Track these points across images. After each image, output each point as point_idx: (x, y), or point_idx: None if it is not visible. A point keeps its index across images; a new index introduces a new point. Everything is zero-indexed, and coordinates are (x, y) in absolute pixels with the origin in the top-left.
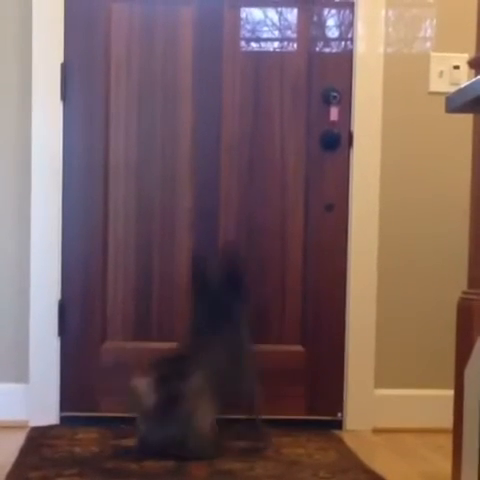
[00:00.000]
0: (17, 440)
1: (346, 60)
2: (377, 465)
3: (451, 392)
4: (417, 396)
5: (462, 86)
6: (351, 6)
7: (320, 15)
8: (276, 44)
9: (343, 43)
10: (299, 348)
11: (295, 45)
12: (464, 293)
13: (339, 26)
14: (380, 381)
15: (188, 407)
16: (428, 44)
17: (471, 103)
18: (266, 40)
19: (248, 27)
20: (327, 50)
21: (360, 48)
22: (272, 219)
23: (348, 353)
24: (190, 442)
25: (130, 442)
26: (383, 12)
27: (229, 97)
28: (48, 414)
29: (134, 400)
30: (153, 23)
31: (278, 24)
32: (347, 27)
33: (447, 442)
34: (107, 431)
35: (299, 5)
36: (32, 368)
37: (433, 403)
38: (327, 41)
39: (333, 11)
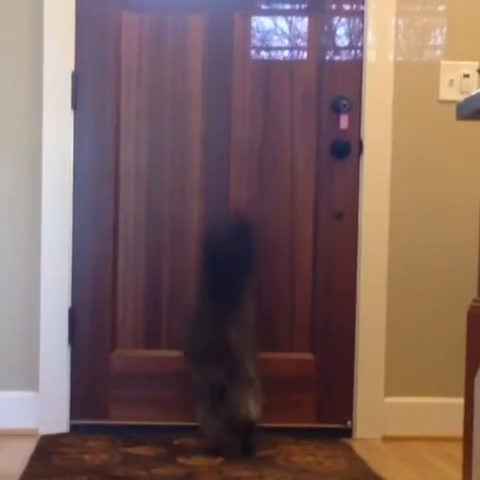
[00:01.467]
0: (27, 448)
1: (356, 68)
2: (387, 473)
3: (461, 400)
4: (427, 404)
5: (473, 94)
6: (361, 15)
7: (330, 24)
8: (286, 53)
9: (353, 52)
10: (309, 356)
11: (305, 54)
12: (474, 301)
13: (349, 35)
14: (390, 389)
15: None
16: (438, 52)
17: None
18: (276, 49)
19: (258, 36)
20: (337, 58)
21: (370, 56)
22: (282, 227)
23: (358, 361)
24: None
25: (140, 450)
26: (393, 21)
27: (239, 105)
28: (58, 422)
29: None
30: (163, 32)
31: (288, 33)
32: (357, 36)
33: (457, 451)
34: (117, 439)
35: (309, 14)
36: (42, 376)
37: (443, 411)
38: (337, 50)
39: (343, 20)
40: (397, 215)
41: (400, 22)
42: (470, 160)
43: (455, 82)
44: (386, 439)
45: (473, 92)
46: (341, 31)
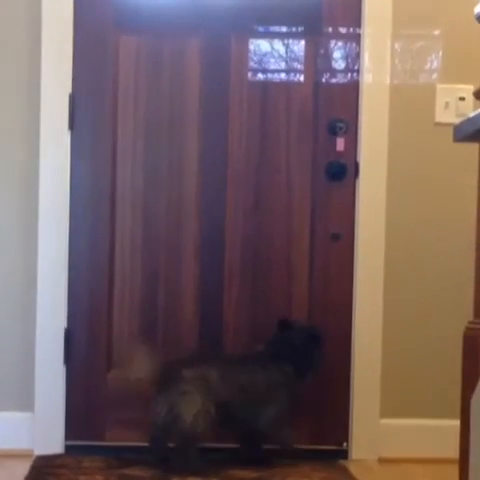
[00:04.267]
0: (22, 469)
1: (352, 91)
2: None
3: (457, 422)
4: (423, 426)
5: (470, 116)
6: (357, 38)
7: (326, 47)
8: (283, 75)
9: (349, 74)
10: None
11: (302, 76)
12: (470, 323)
13: (345, 58)
14: (386, 411)
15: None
16: (434, 76)
17: (479, 133)
18: (273, 71)
19: (255, 58)
20: (333, 81)
21: (366, 79)
22: (278, 249)
23: (354, 383)
24: (172, 427)
25: (135, 471)
26: (389, 44)
27: (236, 128)
28: (53, 443)
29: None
30: (161, 54)
31: (285, 56)
32: (353, 59)
33: (453, 473)
34: (112, 460)
35: (306, 37)
36: (37, 396)
37: (439, 433)
38: (333, 72)
39: (340, 43)
40: (393, 237)
41: (396, 45)
42: (466, 183)
43: (451, 105)
44: (382, 461)
45: (469, 115)
46: (337, 54)
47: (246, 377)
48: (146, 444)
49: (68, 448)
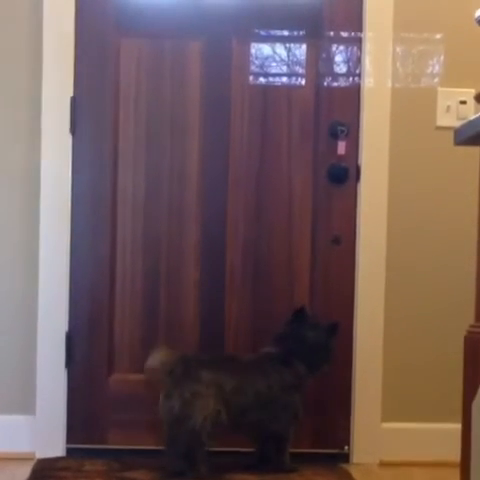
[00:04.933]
0: (23, 472)
1: (354, 95)
2: None
3: (459, 426)
4: (424, 430)
5: (471, 119)
6: (359, 42)
7: (328, 50)
8: (284, 79)
9: (351, 78)
10: None
11: (303, 80)
12: (471, 327)
13: (347, 61)
14: (387, 414)
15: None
16: (435, 79)
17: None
18: (274, 75)
19: (256, 62)
20: (335, 85)
21: (368, 83)
22: (279, 252)
23: (355, 386)
24: (181, 425)
25: (136, 474)
26: (391, 48)
27: (237, 131)
28: (54, 446)
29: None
30: (162, 58)
31: (286, 59)
32: (355, 62)
33: (454, 476)
34: (113, 463)
35: (307, 41)
36: (39, 400)
37: (440, 437)
38: (335, 76)
39: (341, 47)
40: (394, 240)
41: (398, 49)
42: (467, 186)
43: (452, 109)
44: (383, 464)
45: (470, 118)
46: (339, 58)
47: (260, 381)
48: (155, 447)
49: (69, 451)
